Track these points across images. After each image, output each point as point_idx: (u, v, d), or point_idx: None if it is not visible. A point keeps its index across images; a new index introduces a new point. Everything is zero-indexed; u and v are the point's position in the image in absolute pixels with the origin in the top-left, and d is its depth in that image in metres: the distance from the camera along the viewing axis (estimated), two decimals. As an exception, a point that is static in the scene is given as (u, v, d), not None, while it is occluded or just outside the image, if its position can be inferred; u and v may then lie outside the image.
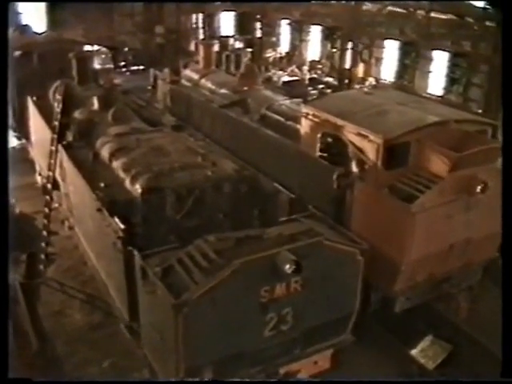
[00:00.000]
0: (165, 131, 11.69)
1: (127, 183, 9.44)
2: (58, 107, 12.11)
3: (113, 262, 8.81)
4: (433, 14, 23.09)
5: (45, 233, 12.25)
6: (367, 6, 24.53)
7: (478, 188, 9.33)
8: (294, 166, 10.95)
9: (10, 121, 19.53)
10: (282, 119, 12.93)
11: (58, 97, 12.13)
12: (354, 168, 10.31)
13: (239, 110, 14.22)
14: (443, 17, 22.82)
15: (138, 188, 9.05)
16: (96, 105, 12.89)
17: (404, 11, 24.25)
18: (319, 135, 10.69)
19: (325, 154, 10.89)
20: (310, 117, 10.80)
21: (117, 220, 8.30)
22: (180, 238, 8.77)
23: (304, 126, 11.03)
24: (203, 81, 16.98)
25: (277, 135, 12.01)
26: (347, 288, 8.24)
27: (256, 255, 7.03)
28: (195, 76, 17.59)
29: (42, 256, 12.31)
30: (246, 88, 15.28)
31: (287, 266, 6.96)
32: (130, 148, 10.46)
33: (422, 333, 11.01)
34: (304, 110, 11.00)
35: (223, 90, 15.75)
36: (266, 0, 32.56)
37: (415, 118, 10.05)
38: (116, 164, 10.12)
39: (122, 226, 8.12)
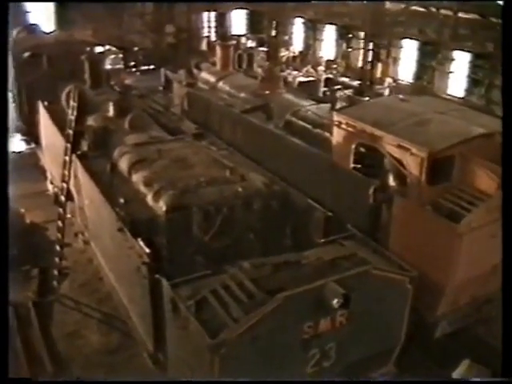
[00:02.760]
0: (186, 140, 10.97)
1: (149, 199, 8.72)
2: (71, 114, 11.39)
3: (136, 287, 8.12)
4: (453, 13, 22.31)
5: (58, 247, 11.53)
6: (388, 5, 23.80)
7: (527, 205, 8.60)
8: (325, 178, 10.24)
9: (20, 124, 19.02)
10: (308, 126, 12.20)
11: (73, 103, 11.40)
12: (392, 182, 9.63)
13: (261, 115, 13.47)
14: (465, 16, 22.05)
15: (162, 206, 8.32)
16: (111, 111, 12.19)
17: (424, 10, 23.47)
18: (353, 146, 9.97)
19: (358, 166, 10.18)
20: (344, 126, 10.08)
21: (141, 243, 7.60)
22: (208, 260, 8.17)
23: (336, 136, 10.31)
24: (221, 84, 16.22)
25: (305, 144, 11.29)
26: (394, 319, 7.57)
27: (301, 288, 6.33)
28: (212, 78, 16.84)
29: (55, 272, 11.58)
30: (267, 92, 14.53)
31: (335, 301, 6.27)
32: (151, 160, 9.76)
33: (459, 357, 10.30)
34: (336, 118, 10.27)
35: (243, 94, 15.00)
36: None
37: (459, 130, 9.34)
38: (136, 177, 9.41)
39: (148, 250, 7.42)
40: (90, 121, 11.91)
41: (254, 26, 36.17)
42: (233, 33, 34.94)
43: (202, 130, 12.83)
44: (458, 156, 9.01)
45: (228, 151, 10.97)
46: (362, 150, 10.31)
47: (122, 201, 8.78)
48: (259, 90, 14.71)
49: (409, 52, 26.35)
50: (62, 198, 11.40)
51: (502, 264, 6.46)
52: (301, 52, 32.40)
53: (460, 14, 22.67)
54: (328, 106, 13.07)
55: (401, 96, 10.71)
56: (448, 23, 22.82)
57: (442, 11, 22.93)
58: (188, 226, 8.27)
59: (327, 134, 11.36)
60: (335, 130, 10.30)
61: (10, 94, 20.27)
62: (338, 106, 13.15)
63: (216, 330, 6.11)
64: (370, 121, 9.72)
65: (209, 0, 34.17)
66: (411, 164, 8.97)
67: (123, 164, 9.91)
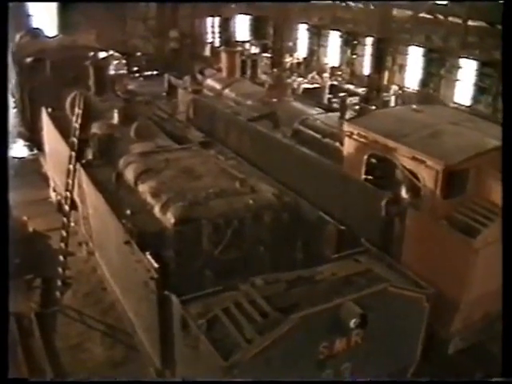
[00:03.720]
0: (194, 149, 10.73)
1: (156, 211, 8.49)
2: (76, 122, 11.15)
3: (143, 302, 7.89)
4: (460, 21, 22.10)
5: (61, 257, 11.28)
6: (395, 12, 23.61)
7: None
8: (336, 190, 9.99)
9: (22, 130, 18.85)
10: (318, 136, 11.96)
11: (78, 110, 11.16)
12: (404, 194, 9.40)
13: (269, 123, 13.22)
14: (473, 24, 21.82)
15: (170, 218, 8.09)
16: (116, 118, 11.97)
17: (431, 17, 23.28)
18: (365, 157, 9.75)
19: (369, 177, 9.96)
20: (355, 136, 9.86)
21: (149, 257, 7.37)
22: (217, 274, 7.93)
23: (348, 146, 10.09)
24: (227, 91, 16.01)
25: (315, 154, 11.07)
26: (410, 337, 7.34)
27: (317, 308, 6.09)
28: (218, 85, 16.62)
29: (59, 282, 11.33)
30: (274, 99, 14.31)
31: (353, 321, 6.04)
32: (158, 169, 9.54)
33: (471, 372, 10.06)
34: (348, 128, 10.06)
35: (250, 102, 14.77)
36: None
37: (474, 142, 9.12)
38: (143, 188, 9.18)
39: (156, 265, 7.19)
40: (95, 128, 11.69)
41: (257, 31, 35.96)
42: (236, 39, 34.76)
43: (208, 138, 12.62)
44: (473, 169, 8.79)
45: (236, 161, 10.74)
46: (373, 160, 10.08)
47: (128, 212, 8.55)
48: (266, 98, 14.50)
49: (415, 59, 26.10)
50: (66, 208, 11.16)
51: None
52: (305, 58, 32.17)
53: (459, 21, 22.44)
54: (336, 114, 12.86)
55: (413, 106, 10.48)
56: (455, 31, 22.58)
57: (450, 18, 22.72)
58: (197, 239, 8.03)
59: (337, 144, 11.16)
60: (346, 140, 10.09)
61: (12, 99, 20.16)
62: (347, 114, 12.96)
63: (228, 350, 5.88)
64: (382, 131, 9.50)
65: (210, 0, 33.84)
66: (426, 177, 8.75)
67: (129, 174, 9.69)
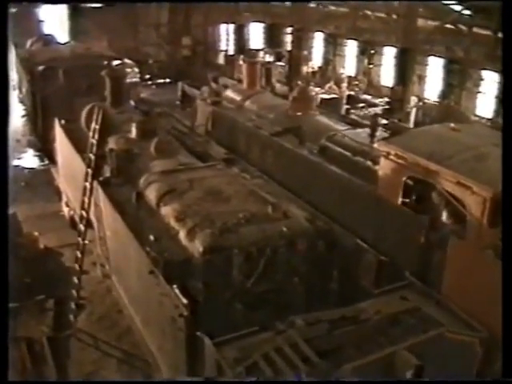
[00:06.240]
0: (218, 168, 10.14)
1: (182, 237, 7.90)
2: (93, 137, 10.55)
3: (169, 338, 7.32)
4: (485, 32, 21.50)
5: (75, 279, 10.69)
6: (420, 22, 23.04)
7: None
8: (369, 213, 9.38)
9: (33, 139, 18.41)
10: (347, 153, 11.34)
11: (95, 126, 10.56)
12: (445, 219, 8.79)
13: (293, 139, 12.61)
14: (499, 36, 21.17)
15: (198, 246, 7.48)
16: (134, 132, 11.40)
17: (454, 28, 22.68)
18: (403, 179, 9.14)
19: (406, 200, 9.34)
20: (393, 157, 9.24)
21: (177, 292, 6.77)
22: (248, 307, 7.34)
23: (384, 167, 9.47)
24: (248, 103, 15.41)
25: (346, 174, 10.47)
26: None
27: (369, 358, 5.49)
28: (238, 97, 16.02)
29: (72, 305, 10.75)
30: (299, 113, 13.72)
31: (409, 373, 5.44)
32: (182, 190, 8.96)
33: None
34: (384, 148, 9.45)
35: (272, 115, 14.17)
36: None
37: (522, 166, 8.49)
38: (165, 210, 8.61)
39: (185, 301, 6.59)
40: (112, 143, 11.10)
41: (271, 39, 35.35)
42: (250, 47, 34.20)
43: (230, 153, 12.06)
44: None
45: (262, 180, 10.16)
46: (409, 182, 9.48)
47: (151, 238, 7.97)
48: (290, 111, 13.91)
49: (435, 70, 25.44)
50: (81, 227, 10.56)
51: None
52: (320, 67, 31.53)
53: (487, 32, 21.82)
54: (365, 130, 12.27)
55: (451, 124, 9.85)
56: (478, 41, 21.98)
57: (475, 29, 22.12)
58: (227, 269, 7.43)
59: (369, 163, 10.58)
60: (383, 160, 9.47)
61: (22, 107, 19.72)
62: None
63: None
64: (423, 153, 8.87)
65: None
66: (471, 203, 8.13)
67: (151, 194, 9.13)
